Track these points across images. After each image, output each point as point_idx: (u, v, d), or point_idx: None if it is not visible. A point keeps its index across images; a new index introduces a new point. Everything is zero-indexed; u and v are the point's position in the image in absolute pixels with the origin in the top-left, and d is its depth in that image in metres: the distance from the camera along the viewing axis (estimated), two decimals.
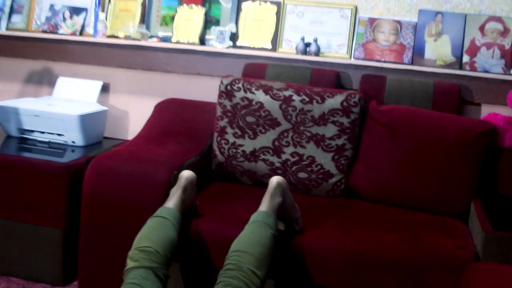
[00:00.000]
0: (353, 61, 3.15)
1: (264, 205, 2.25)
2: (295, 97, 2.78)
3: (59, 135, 3.18)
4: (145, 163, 2.55)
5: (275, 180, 2.30)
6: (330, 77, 3.01)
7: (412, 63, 3.11)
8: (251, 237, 2.13)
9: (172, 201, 2.29)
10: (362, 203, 2.72)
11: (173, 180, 2.45)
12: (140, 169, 2.51)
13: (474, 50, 3.08)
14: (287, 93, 2.80)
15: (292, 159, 2.76)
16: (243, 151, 2.80)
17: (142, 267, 2.05)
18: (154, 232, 2.17)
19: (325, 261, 2.27)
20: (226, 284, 1.98)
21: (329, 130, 2.74)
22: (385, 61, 3.12)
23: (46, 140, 3.20)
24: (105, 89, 3.52)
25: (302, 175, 2.75)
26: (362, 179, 2.76)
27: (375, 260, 2.25)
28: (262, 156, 2.79)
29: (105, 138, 3.37)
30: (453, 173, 2.63)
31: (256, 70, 3.08)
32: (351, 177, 2.78)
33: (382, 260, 2.24)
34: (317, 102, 2.76)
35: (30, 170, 2.82)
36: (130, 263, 2.09)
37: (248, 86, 2.84)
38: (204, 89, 3.30)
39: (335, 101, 2.75)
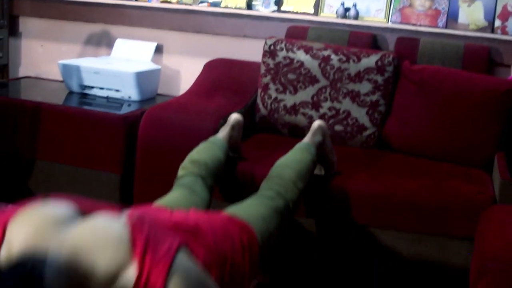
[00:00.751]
0: (389, 25, 3.35)
1: (306, 139, 2.51)
2: (333, 56, 3.00)
3: (116, 91, 3.46)
4: (194, 114, 2.81)
5: (317, 122, 2.56)
6: (366, 39, 3.22)
7: (446, 27, 3.30)
8: (294, 156, 2.39)
9: (222, 134, 2.56)
10: (392, 154, 2.93)
11: (219, 129, 2.70)
12: (189, 119, 2.77)
13: (506, 15, 3.24)
14: (325, 53, 3.02)
15: (329, 113, 2.99)
16: (284, 105, 3.04)
17: (192, 174, 2.31)
18: (205, 150, 2.44)
19: (356, 202, 2.51)
20: (269, 188, 2.23)
21: (364, 87, 2.96)
22: (420, 25, 3.31)
23: (105, 95, 3.48)
24: (158, 50, 3.79)
25: (338, 127, 2.98)
26: (394, 132, 2.97)
27: (400, 202, 2.47)
28: (302, 110, 3.02)
29: (158, 95, 3.64)
30: (479, 127, 2.82)
31: (298, 32, 3.31)
32: (383, 130, 2.99)
33: (407, 202, 2.47)
34: (354, 61, 2.98)
35: (91, 121, 3.11)
36: (181, 172, 2.34)
37: (290, 47, 3.07)
38: (249, 51, 3.53)
39: (370, 60, 2.97)
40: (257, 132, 3.12)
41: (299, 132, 3.03)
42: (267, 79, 3.08)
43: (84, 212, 1.48)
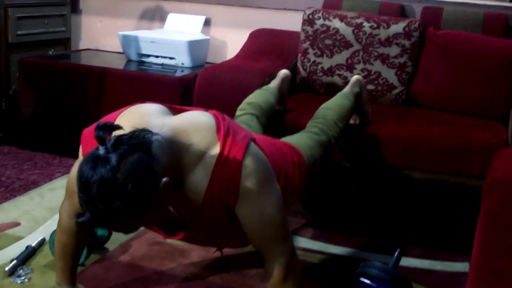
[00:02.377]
0: None
1: (346, 89, 2.91)
2: (365, 23, 3.37)
3: (170, 58, 3.87)
4: (242, 72, 3.21)
5: (355, 76, 2.97)
6: (395, 9, 3.59)
7: None
8: (335, 101, 2.80)
9: (273, 83, 2.97)
10: (419, 109, 3.29)
11: (266, 84, 3.09)
12: (239, 76, 3.17)
13: None
14: (358, 21, 3.38)
15: (362, 74, 3.35)
16: (322, 68, 3.42)
17: (249, 113, 2.70)
18: (259, 95, 2.84)
19: (387, 146, 2.88)
20: (314, 126, 2.62)
21: (393, 51, 3.32)
22: None
23: (160, 63, 3.90)
24: (207, 23, 4.20)
25: (369, 87, 3.35)
26: (420, 90, 3.33)
27: (425, 146, 2.84)
28: (337, 72, 3.39)
29: (207, 63, 4.05)
30: (496, 84, 3.17)
31: (333, 4, 3.68)
32: (410, 88, 3.35)
33: (431, 146, 2.84)
34: (383, 27, 3.34)
35: (150, 83, 3.53)
36: (238, 112, 2.73)
37: (327, 15, 3.44)
38: (289, 22, 3.91)
39: (398, 27, 3.33)
40: (298, 92, 3.50)
41: (335, 91, 3.39)
42: (306, 44, 3.46)
43: (175, 111, 1.93)
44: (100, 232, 2.66)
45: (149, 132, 1.67)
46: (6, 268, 2.44)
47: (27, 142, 3.96)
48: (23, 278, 2.42)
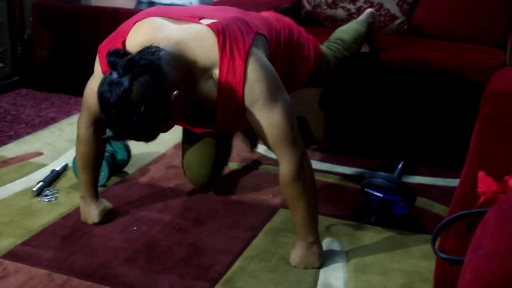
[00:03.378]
0: None
1: (361, 17, 3.08)
2: None
3: None
4: (250, 5, 3.32)
5: (369, 9, 3.14)
6: None
7: None
8: (351, 26, 2.96)
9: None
10: (420, 38, 3.41)
11: None
12: (246, 9, 3.28)
13: None
14: None
15: (365, 6, 3.46)
16: (326, 1, 3.53)
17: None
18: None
19: (389, 68, 3.02)
20: (331, 43, 2.79)
21: None
22: None
23: (169, 3, 4.02)
24: None
25: None
26: (421, 19, 3.44)
27: (426, 68, 2.98)
28: (341, 4, 3.51)
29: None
30: (495, 11, 3.28)
31: None
32: (412, 19, 3.47)
33: (431, 68, 2.97)
34: None
35: None
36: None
37: None
38: None
39: None
40: (303, 25, 3.62)
41: (339, 24, 3.52)
42: None
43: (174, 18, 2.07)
44: (120, 156, 2.82)
45: (157, 48, 1.84)
46: (34, 189, 2.61)
47: (44, 84, 4.12)
48: (50, 197, 2.59)
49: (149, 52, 1.82)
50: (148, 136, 1.87)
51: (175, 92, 1.81)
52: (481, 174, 1.41)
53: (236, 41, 1.98)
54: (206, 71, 1.96)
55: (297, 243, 2.16)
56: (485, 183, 1.37)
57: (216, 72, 1.95)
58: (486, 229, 1.01)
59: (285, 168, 2.03)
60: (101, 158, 2.39)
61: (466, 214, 1.28)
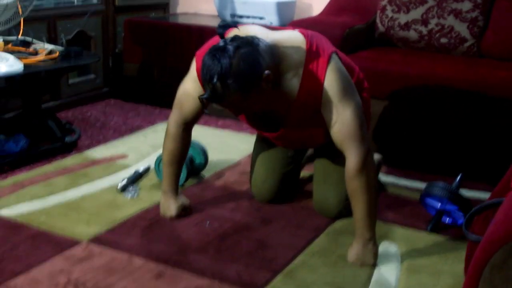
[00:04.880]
0: None
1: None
2: None
3: (260, 18, 4.24)
4: (326, 24, 3.53)
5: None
6: None
7: None
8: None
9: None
10: (489, 60, 3.53)
11: (346, 36, 3.41)
12: (323, 28, 3.48)
13: None
14: None
15: (436, 28, 3.62)
16: (399, 23, 3.70)
17: None
18: None
19: (455, 87, 3.15)
20: None
21: (466, 6, 3.57)
22: None
23: (251, 22, 4.26)
24: None
25: (443, 40, 3.61)
26: (491, 42, 3.56)
27: (492, 88, 3.09)
28: (413, 26, 3.67)
29: None
30: None
31: None
32: (482, 41, 3.60)
33: (496, 88, 3.08)
34: None
35: None
36: None
37: None
38: None
39: None
40: (376, 46, 3.80)
41: (410, 44, 3.69)
42: (385, 2, 3.75)
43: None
44: (198, 160, 3.06)
45: (257, 38, 2.15)
46: (119, 186, 2.87)
47: (131, 95, 4.42)
48: (133, 193, 2.84)
49: (251, 37, 2.13)
50: (237, 102, 2.12)
51: (267, 71, 2.10)
52: None
53: (322, 45, 2.28)
54: (292, 68, 2.25)
55: (354, 241, 2.33)
56: None
57: (301, 71, 2.24)
58: (501, 208, 1.17)
59: (352, 161, 2.24)
60: (185, 156, 2.64)
61: (492, 203, 1.43)
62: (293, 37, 2.29)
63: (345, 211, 2.63)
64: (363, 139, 2.25)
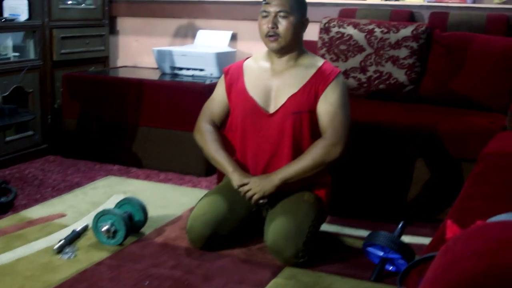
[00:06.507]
0: (425, 3, 4.00)
1: None
2: (376, 29, 3.66)
3: (200, 70, 4.22)
4: None
5: None
6: (405, 15, 3.89)
7: (474, 3, 3.93)
8: None
9: None
10: (427, 105, 3.56)
11: None
12: None
13: None
14: (370, 27, 3.68)
15: (374, 75, 3.64)
16: None
17: None
18: None
19: (393, 133, 3.16)
20: None
21: (403, 52, 3.60)
22: (452, 2, 3.95)
23: (191, 74, 4.25)
24: (233, 37, 4.54)
25: (382, 86, 3.63)
26: (428, 88, 3.60)
27: (430, 130, 3.11)
28: (352, 74, 3.69)
29: None
30: (498, 79, 3.43)
31: (348, 13, 3.99)
32: (420, 87, 3.63)
33: (434, 130, 3.11)
34: (393, 32, 3.63)
35: (182, 90, 3.88)
36: None
37: (341, 23, 3.75)
38: (307, 32, 4.20)
39: (407, 30, 3.61)
40: None
41: (350, 92, 3.67)
42: (323, 51, 3.77)
43: None
44: (137, 217, 2.98)
45: None
46: (55, 247, 2.78)
47: (71, 151, 4.33)
48: (70, 254, 2.74)
49: None
50: (287, 8, 2.72)
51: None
52: (449, 222, 1.53)
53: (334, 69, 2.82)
54: (311, 59, 2.82)
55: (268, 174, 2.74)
56: (451, 230, 1.50)
57: (319, 63, 2.80)
58: (432, 264, 1.14)
59: (327, 138, 2.68)
60: (221, 140, 2.87)
61: (425, 257, 1.40)
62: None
63: (302, 254, 2.60)
64: (344, 137, 2.70)
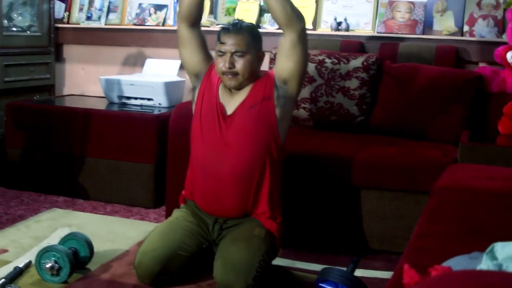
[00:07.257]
0: (375, 34, 4.00)
1: None
2: (326, 60, 3.65)
3: (148, 99, 4.13)
4: None
5: None
6: (355, 46, 3.88)
7: (423, 34, 3.95)
8: None
9: None
10: (379, 136, 3.55)
11: None
12: None
13: (472, 21, 3.89)
14: (320, 57, 3.66)
15: (325, 106, 3.62)
16: None
17: None
18: None
19: (346, 166, 3.12)
20: None
21: (353, 83, 3.59)
22: (401, 33, 3.97)
23: (139, 103, 4.16)
24: (182, 66, 4.45)
25: (333, 117, 3.60)
26: (379, 119, 3.59)
27: (381, 164, 3.09)
28: (303, 105, 3.66)
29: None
30: (448, 110, 3.44)
31: None
32: (371, 118, 3.61)
33: (386, 164, 3.08)
34: (344, 63, 3.62)
35: (130, 121, 3.79)
36: None
37: None
38: None
39: (357, 61, 3.61)
40: None
41: (301, 123, 3.67)
42: None
43: None
44: (83, 253, 2.87)
45: None
46: None
47: (14, 182, 4.19)
48: None
49: None
50: (244, 41, 2.71)
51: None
52: (406, 266, 1.48)
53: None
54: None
55: None
56: (409, 275, 1.45)
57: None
58: None
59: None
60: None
61: None
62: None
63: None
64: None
